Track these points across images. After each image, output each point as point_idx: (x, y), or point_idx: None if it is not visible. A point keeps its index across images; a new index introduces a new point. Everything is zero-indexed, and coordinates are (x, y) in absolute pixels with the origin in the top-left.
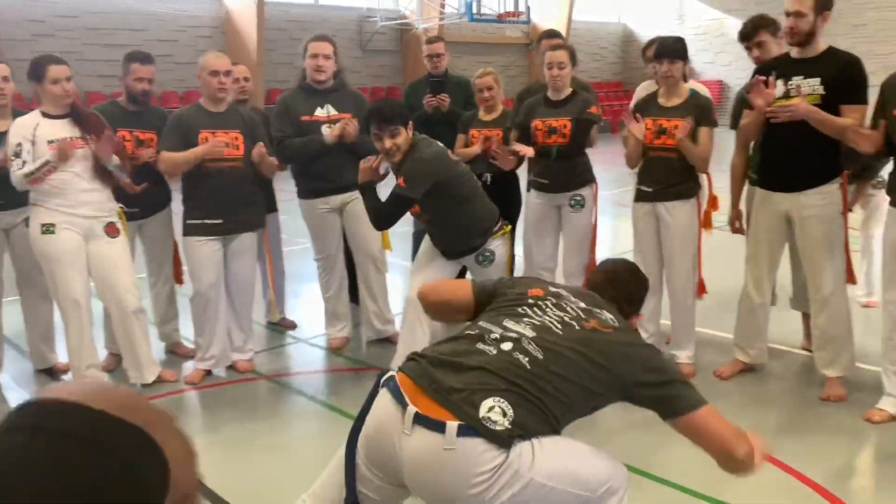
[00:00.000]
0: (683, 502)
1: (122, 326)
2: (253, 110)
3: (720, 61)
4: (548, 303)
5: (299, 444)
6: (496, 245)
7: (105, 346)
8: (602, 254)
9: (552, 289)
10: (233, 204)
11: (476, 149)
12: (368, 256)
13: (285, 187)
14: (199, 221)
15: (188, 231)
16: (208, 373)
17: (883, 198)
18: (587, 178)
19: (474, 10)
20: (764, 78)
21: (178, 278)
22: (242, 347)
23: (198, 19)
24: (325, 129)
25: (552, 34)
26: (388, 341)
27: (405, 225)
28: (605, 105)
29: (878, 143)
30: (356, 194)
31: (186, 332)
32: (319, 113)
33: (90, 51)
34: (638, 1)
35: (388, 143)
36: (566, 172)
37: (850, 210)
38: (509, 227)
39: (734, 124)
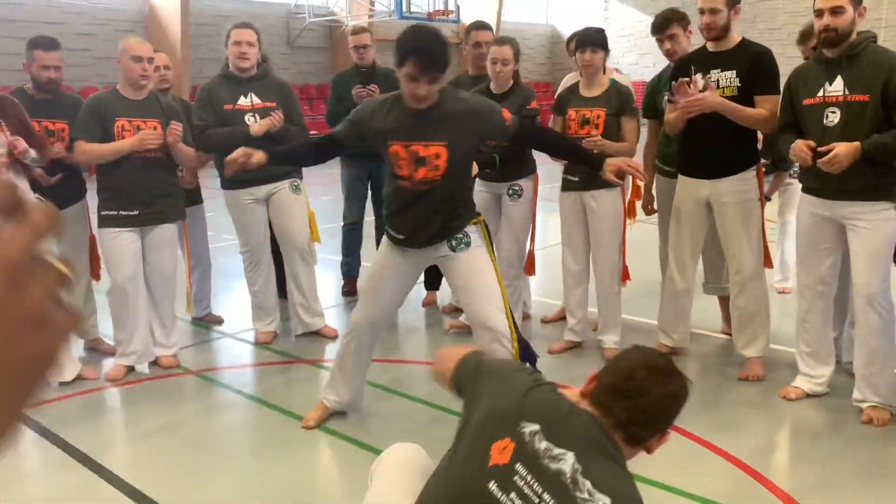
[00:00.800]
0: None
1: None
2: (175, 100)
3: (644, 62)
4: (515, 483)
5: (225, 436)
6: (471, 230)
7: None
8: (536, 245)
9: (524, 439)
10: (149, 194)
11: None
12: (296, 248)
13: (214, 184)
14: (115, 213)
15: (103, 223)
16: (130, 369)
17: (798, 186)
18: (528, 169)
19: (404, 9)
20: (688, 80)
21: (96, 274)
22: (165, 342)
23: (119, 13)
24: (248, 119)
25: (481, 25)
26: (318, 335)
27: (335, 220)
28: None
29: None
30: (283, 184)
31: (107, 328)
32: (243, 102)
33: (3, 43)
34: (565, 3)
35: (424, 89)
36: (507, 162)
37: (769, 199)
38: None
39: (646, 114)
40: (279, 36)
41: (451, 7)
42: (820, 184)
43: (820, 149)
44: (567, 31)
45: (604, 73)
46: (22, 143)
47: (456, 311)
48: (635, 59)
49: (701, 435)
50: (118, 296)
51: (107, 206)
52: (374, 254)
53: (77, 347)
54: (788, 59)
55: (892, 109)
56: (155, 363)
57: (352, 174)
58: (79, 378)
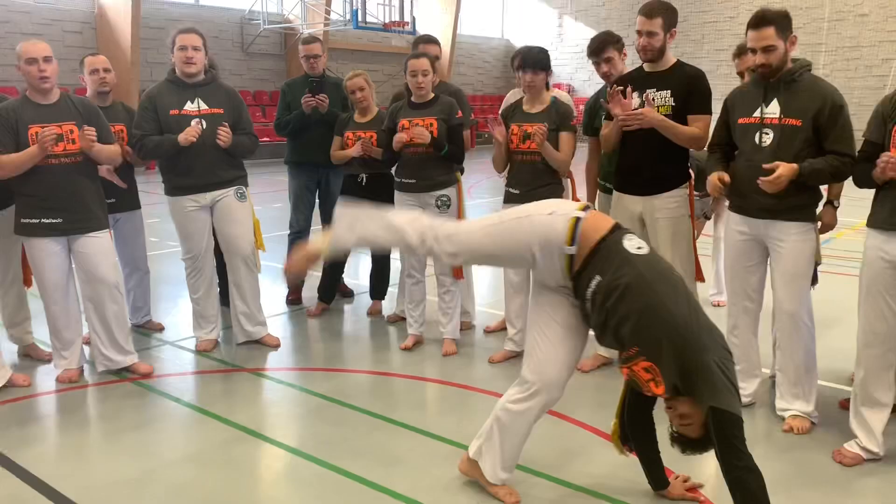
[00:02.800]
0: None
1: None
2: (121, 103)
3: (597, 79)
4: None
5: (162, 444)
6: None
7: None
8: None
9: None
10: (72, 202)
11: (352, 151)
12: (239, 256)
13: (156, 188)
14: (36, 220)
15: (24, 231)
16: (81, 370)
17: None
18: (451, 179)
19: (359, 18)
20: (622, 88)
21: (27, 281)
22: (129, 349)
23: (67, 13)
24: (193, 123)
25: (428, 39)
26: (259, 343)
27: (281, 228)
28: (490, 117)
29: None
30: (228, 191)
31: (41, 334)
32: (189, 107)
33: None
34: (520, 18)
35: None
36: (431, 172)
37: (707, 217)
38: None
39: (586, 130)
40: (233, 42)
41: (407, 19)
42: (745, 202)
43: (765, 166)
44: (521, 45)
45: (547, 89)
46: None
47: (400, 319)
48: (587, 75)
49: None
50: (48, 302)
51: (27, 213)
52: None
53: (6, 353)
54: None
55: (822, 137)
56: (127, 370)
57: (300, 182)
58: (8, 385)
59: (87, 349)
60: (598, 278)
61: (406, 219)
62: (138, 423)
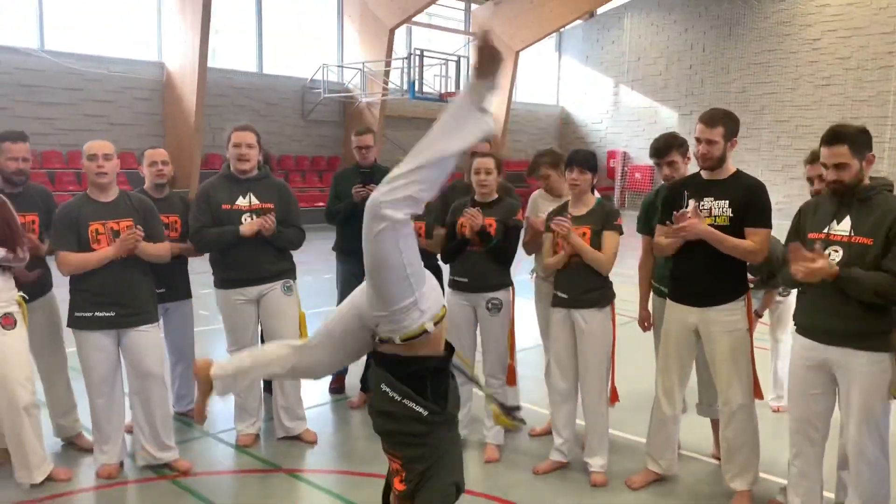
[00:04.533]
0: None
1: (12, 423)
2: (177, 195)
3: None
4: None
5: None
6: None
7: None
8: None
9: None
10: (125, 296)
11: None
12: None
13: (200, 268)
14: (89, 314)
15: (76, 324)
16: (121, 465)
17: (788, 305)
18: (505, 282)
19: (416, 89)
20: (688, 211)
21: None
22: (171, 444)
23: (137, 81)
24: (244, 219)
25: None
26: (298, 439)
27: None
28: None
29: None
30: (274, 285)
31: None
32: (241, 202)
33: (23, 108)
34: (575, 85)
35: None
36: (484, 273)
37: (759, 316)
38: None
39: (640, 229)
40: (294, 109)
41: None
42: (810, 324)
43: (806, 254)
44: (577, 112)
45: (592, 193)
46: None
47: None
48: (644, 143)
49: None
50: (93, 396)
51: (81, 306)
52: None
53: (54, 444)
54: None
55: (884, 252)
56: (168, 466)
57: (347, 269)
58: (50, 479)
59: (129, 438)
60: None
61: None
62: None
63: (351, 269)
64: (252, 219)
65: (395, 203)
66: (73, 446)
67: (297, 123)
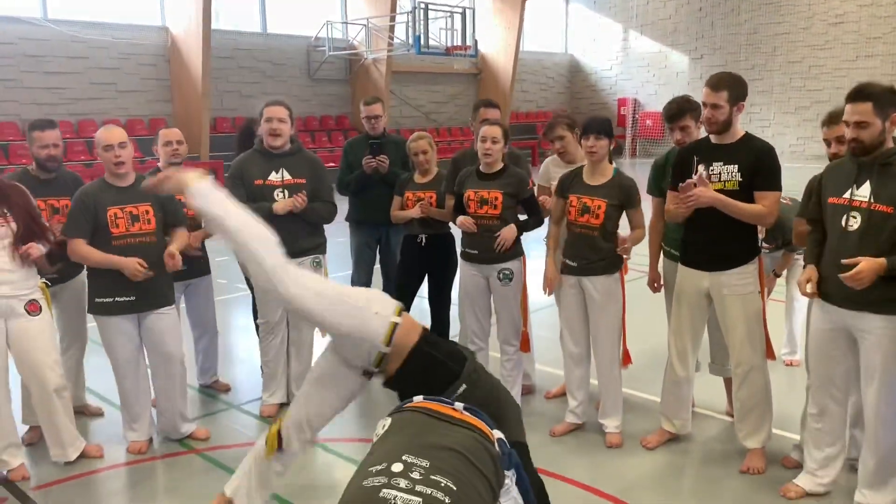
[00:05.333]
0: None
1: (43, 405)
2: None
3: (663, 93)
4: None
5: None
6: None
7: (23, 422)
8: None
9: None
10: (144, 281)
11: (413, 212)
12: (306, 322)
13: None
14: (110, 300)
15: (97, 310)
16: (150, 441)
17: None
18: (516, 252)
19: (422, 43)
20: (694, 182)
21: None
22: (189, 417)
23: (142, 47)
24: (277, 194)
25: (488, 103)
26: None
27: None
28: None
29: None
30: (305, 260)
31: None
32: (273, 177)
33: (29, 78)
34: (584, 33)
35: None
36: (494, 244)
37: (777, 276)
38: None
39: (651, 190)
40: (300, 68)
41: (469, 43)
42: (830, 289)
43: (844, 261)
44: (586, 61)
45: (610, 162)
46: (36, 250)
47: None
48: (654, 89)
49: None
50: (119, 377)
51: (101, 292)
52: None
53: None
54: (809, 93)
55: None
56: (190, 438)
57: (360, 240)
58: (83, 456)
59: (153, 411)
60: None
61: (266, 245)
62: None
63: (364, 240)
64: (285, 194)
65: (268, 298)
66: (81, 414)
67: (303, 83)
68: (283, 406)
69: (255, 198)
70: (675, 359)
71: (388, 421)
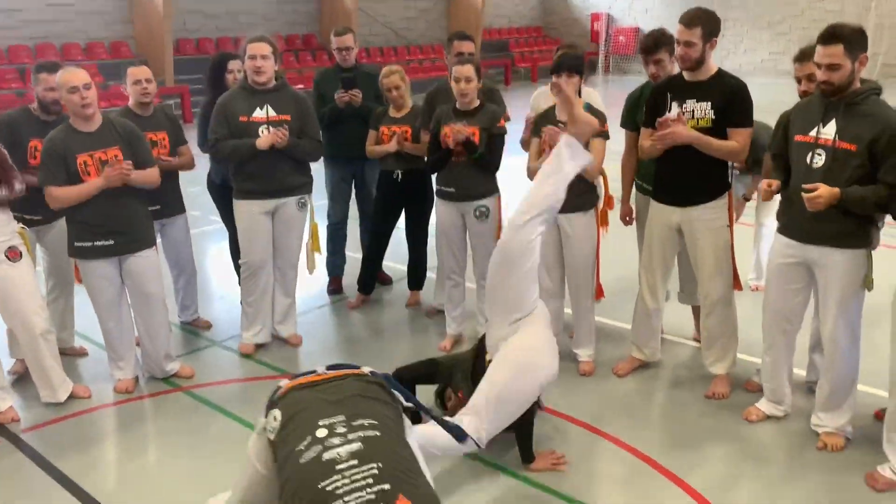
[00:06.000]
0: None
1: (31, 349)
2: (162, 110)
3: (637, 7)
4: None
5: (217, 468)
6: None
7: (10, 356)
8: None
9: None
10: (122, 224)
11: (388, 147)
12: (289, 263)
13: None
14: (89, 244)
15: (77, 254)
16: (136, 380)
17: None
18: (491, 189)
19: None
20: (669, 120)
21: (78, 279)
22: (173, 355)
23: None
24: (262, 131)
25: (462, 36)
26: (285, 342)
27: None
28: (525, 51)
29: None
30: (290, 200)
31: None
32: (258, 114)
33: None
34: None
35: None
36: (471, 183)
37: (748, 199)
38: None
39: (624, 123)
40: None
41: None
42: (792, 224)
43: (805, 185)
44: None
45: (579, 96)
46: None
47: (438, 312)
48: (628, 3)
49: (651, 454)
50: (102, 320)
51: (80, 237)
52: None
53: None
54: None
55: (878, 165)
56: (176, 375)
57: (335, 175)
58: (72, 397)
59: (138, 350)
60: None
61: None
62: (193, 443)
63: (340, 175)
64: (269, 130)
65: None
66: (67, 354)
67: (268, 1)
68: (260, 346)
69: (240, 134)
70: (646, 291)
71: (277, 412)
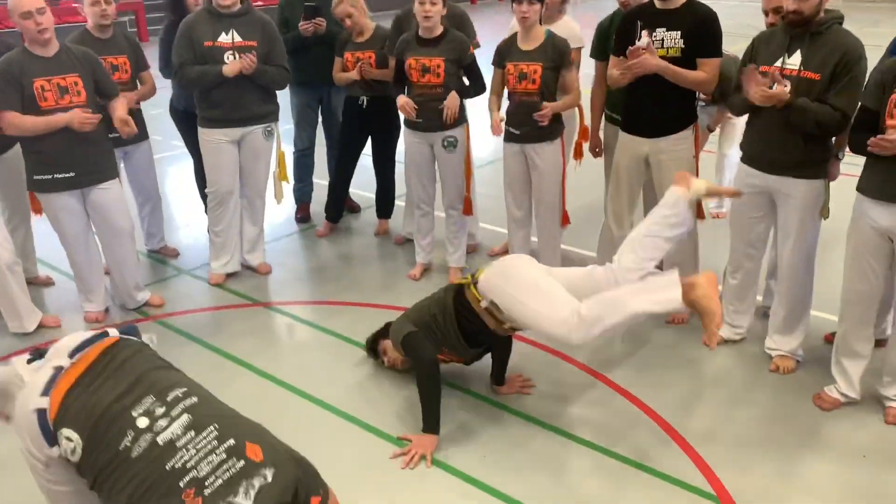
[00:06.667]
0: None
1: None
2: (122, 34)
3: None
4: None
5: None
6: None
7: None
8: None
9: None
10: (82, 155)
11: (353, 74)
12: (256, 192)
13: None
14: (49, 176)
15: (38, 187)
16: (106, 311)
17: (736, 122)
18: (460, 119)
19: None
20: (641, 46)
21: (36, 211)
22: (140, 285)
23: None
24: (227, 56)
25: None
26: (254, 270)
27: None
28: None
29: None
30: (257, 128)
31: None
32: (223, 39)
33: None
34: None
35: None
36: (438, 113)
37: (711, 131)
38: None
39: (594, 53)
40: None
41: None
42: (756, 155)
43: (770, 81)
44: None
45: (540, 24)
46: None
47: (407, 241)
48: None
49: (614, 378)
50: (70, 252)
51: (39, 169)
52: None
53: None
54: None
55: (831, 87)
56: (146, 304)
57: (301, 101)
58: (41, 327)
59: (108, 280)
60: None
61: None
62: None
63: (305, 100)
64: (235, 56)
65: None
66: (32, 284)
67: None
68: (230, 276)
69: (204, 60)
70: (612, 220)
71: (68, 431)
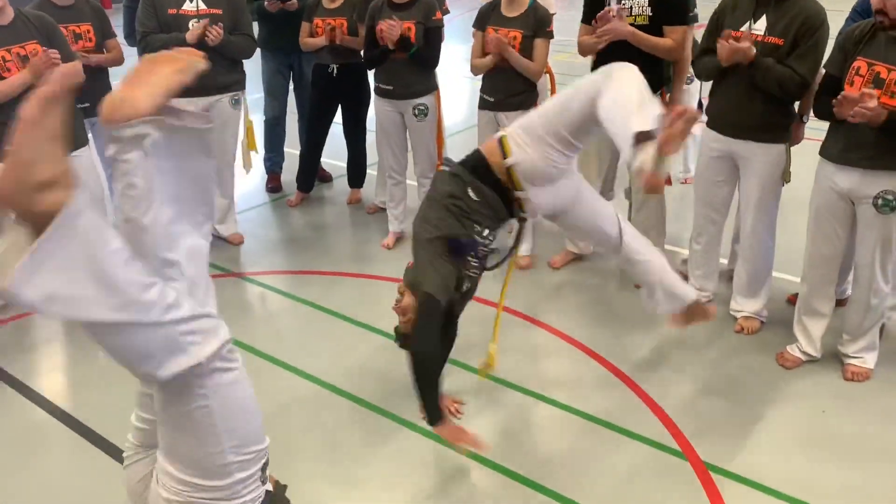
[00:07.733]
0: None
1: None
2: (84, 0)
3: None
4: None
5: None
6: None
7: None
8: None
9: None
10: None
11: (322, 40)
12: (225, 162)
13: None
14: None
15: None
16: None
17: (693, 87)
18: (430, 87)
19: None
20: (612, 10)
21: None
22: None
23: None
24: (192, 24)
25: None
26: (226, 241)
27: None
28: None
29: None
30: (224, 97)
31: None
32: (188, 7)
33: None
34: None
35: None
36: (409, 80)
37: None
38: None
39: (585, 20)
40: None
41: None
42: (719, 119)
43: (738, 35)
44: None
45: None
46: None
47: (380, 209)
48: None
49: (583, 340)
50: None
51: (4, 139)
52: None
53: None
54: None
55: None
56: None
57: (271, 68)
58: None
59: None
60: None
61: None
62: None
63: (275, 67)
64: (199, 22)
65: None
66: None
67: None
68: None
69: (168, 28)
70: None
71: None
